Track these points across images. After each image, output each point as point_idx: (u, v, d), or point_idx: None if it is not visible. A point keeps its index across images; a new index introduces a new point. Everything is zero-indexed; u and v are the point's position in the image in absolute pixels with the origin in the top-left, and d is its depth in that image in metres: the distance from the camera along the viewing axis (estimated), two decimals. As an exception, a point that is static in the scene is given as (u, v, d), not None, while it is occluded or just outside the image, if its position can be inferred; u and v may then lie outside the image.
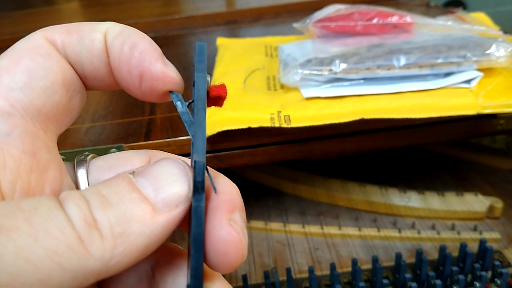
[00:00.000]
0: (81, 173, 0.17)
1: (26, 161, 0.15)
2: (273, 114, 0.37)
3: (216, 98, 0.17)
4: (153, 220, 0.13)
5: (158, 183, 0.14)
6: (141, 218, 0.13)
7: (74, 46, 0.16)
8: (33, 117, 0.15)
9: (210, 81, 0.17)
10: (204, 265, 0.15)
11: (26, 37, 0.16)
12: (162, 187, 0.14)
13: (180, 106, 0.16)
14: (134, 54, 0.16)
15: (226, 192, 0.16)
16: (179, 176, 0.15)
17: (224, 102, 0.18)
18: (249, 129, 0.36)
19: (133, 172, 0.15)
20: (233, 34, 0.68)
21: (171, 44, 0.65)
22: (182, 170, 0.15)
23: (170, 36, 0.69)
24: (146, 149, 0.19)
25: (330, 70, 0.39)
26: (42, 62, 0.16)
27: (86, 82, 0.17)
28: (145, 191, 0.14)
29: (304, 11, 0.75)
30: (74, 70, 0.17)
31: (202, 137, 0.15)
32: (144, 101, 0.44)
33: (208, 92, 0.16)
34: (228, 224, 0.15)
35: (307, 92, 0.39)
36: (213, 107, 0.18)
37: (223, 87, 0.17)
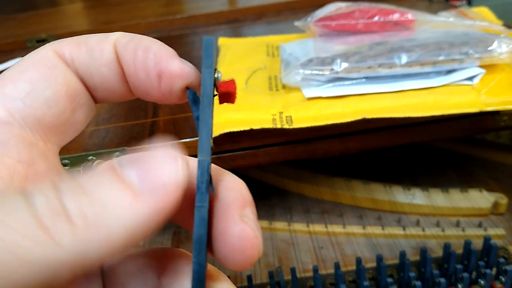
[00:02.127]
0: None
1: (21, 170, 0.15)
2: (275, 115, 0.37)
3: (225, 94, 0.16)
4: (135, 206, 0.12)
5: (143, 168, 0.13)
6: (120, 204, 0.12)
7: (83, 58, 0.16)
8: (32, 127, 0.15)
9: (220, 77, 0.16)
10: (210, 266, 0.15)
11: (36, 50, 0.16)
12: (148, 171, 0.13)
13: (193, 103, 0.16)
14: (149, 56, 0.16)
15: (234, 189, 0.15)
16: (167, 160, 0.13)
17: (235, 99, 0.17)
18: (251, 130, 0.36)
19: (119, 160, 0.13)
20: (235, 32, 0.68)
21: (173, 44, 0.64)
22: (171, 154, 0.13)
23: (173, 36, 0.69)
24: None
25: (332, 69, 0.39)
26: (47, 73, 0.16)
27: (96, 94, 0.17)
28: (128, 177, 0.12)
29: (306, 8, 0.75)
30: (84, 82, 0.17)
31: (207, 135, 0.15)
32: (147, 104, 0.45)
33: (216, 89, 0.16)
34: (241, 220, 0.14)
35: (309, 92, 0.39)
36: (220, 105, 0.17)
37: (232, 82, 0.17)
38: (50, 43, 0.17)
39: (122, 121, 0.42)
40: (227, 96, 0.17)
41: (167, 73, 0.16)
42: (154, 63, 0.16)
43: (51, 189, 0.12)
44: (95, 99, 0.17)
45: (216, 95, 0.16)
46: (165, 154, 0.13)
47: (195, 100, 0.16)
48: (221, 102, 0.17)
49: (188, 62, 0.17)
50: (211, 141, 0.15)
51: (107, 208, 0.12)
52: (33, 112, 0.15)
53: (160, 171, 0.13)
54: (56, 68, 0.16)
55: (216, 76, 0.16)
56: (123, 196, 0.12)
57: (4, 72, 0.16)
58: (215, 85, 0.16)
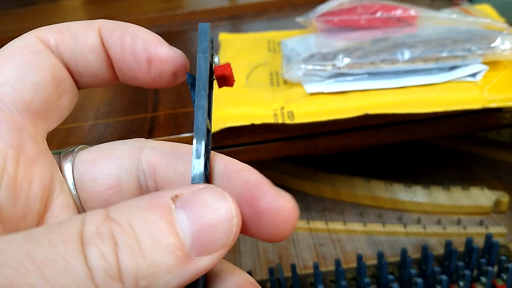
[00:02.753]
0: (67, 167, 0.17)
1: (13, 154, 0.15)
2: (276, 110, 0.37)
3: (222, 77, 0.17)
4: (182, 270, 0.12)
5: (199, 225, 0.13)
6: (170, 269, 0.12)
7: (67, 44, 0.17)
8: (21, 111, 0.16)
9: (218, 61, 0.16)
10: (226, 263, 0.16)
11: (19, 37, 0.17)
12: (202, 231, 0.13)
13: (191, 88, 0.16)
14: (137, 42, 0.16)
15: (250, 170, 0.16)
16: (223, 221, 0.13)
17: (234, 82, 0.17)
18: (252, 125, 0.36)
19: (176, 196, 0.13)
20: (236, 29, 0.67)
21: (174, 39, 0.64)
22: (228, 212, 0.13)
23: (173, 31, 0.69)
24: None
25: (334, 65, 0.39)
26: (33, 58, 0.16)
27: (81, 80, 0.17)
28: (183, 234, 0.12)
29: (307, 4, 0.75)
30: (68, 68, 0.17)
31: (202, 117, 0.15)
32: (147, 98, 0.44)
33: (213, 73, 0.16)
34: (280, 193, 0.15)
35: (311, 88, 0.39)
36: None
37: (227, 65, 0.17)
38: (32, 30, 0.17)
39: (122, 116, 0.42)
40: (224, 80, 0.17)
41: (157, 58, 0.16)
42: (143, 48, 0.16)
43: (110, 246, 0.11)
44: (79, 85, 0.18)
45: (214, 79, 0.17)
46: (223, 209, 0.13)
47: (193, 84, 0.16)
48: (220, 86, 0.17)
49: (176, 48, 0.17)
50: (207, 122, 0.16)
51: (159, 273, 0.12)
52: (22, 97, 0.16)
53: (213, 236, 0.13)
54: (41, 54, 0.16)
55: (213, 60, 0.16)
56: (174, 259, 0.12)
57: None
58: (211, 70, 0.16)
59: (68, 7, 0.98)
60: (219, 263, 0.16)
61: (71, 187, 0.17)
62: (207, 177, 0.16)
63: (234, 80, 0.17)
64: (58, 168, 0.17)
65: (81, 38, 0.17)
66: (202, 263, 0.13)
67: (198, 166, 0.15)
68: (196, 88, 0.15)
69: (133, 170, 0.17)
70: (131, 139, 0.18)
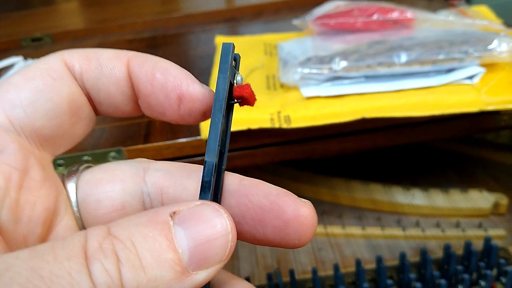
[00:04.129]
0: (71, 188, 0.17)
1: (16, 178, 0.15)
2: (273, 114, 0.37)
3: (240, 98, 0.16)
4: (180, 284, 0.13)
5: (196, 241, 0.13)
6: (169, 283, 0.13)
7: (92, 72, 0.16)
8: (30, 136, 0.16)
9: (240, 80, 0.16)
10: (226, 273, 0.16)
11: (45, 57, 0.16)
12: (199, 247, 0.13)
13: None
14: (169, 78, 0.16)
15: (263, 182, 0.16)
16: (219, 237, 0.14)
17: (255, 101, 0.17)
18: (249, 130, 0.35)
19: (174, 213, 0.13)
20: (232, 31, 0.67)
21: (170, 43, 0.64)
22: (224, 228, 0.14)
23: (169, 35, 0.68)
24: (140, 157, 0.18)
25: (330, 68, 0.38)
26: (52, 84, 0.16)
27: (100, 108, 0.17)
28: (181, 249, 0.13)
29: (304, 6, 0.74)
30: (89, 96, 0.17)
31: (215, 137, 0.15)
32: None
33: (231, 95, 0.16)
34: (301, 200, 0.15)
35: (307, 91, 0.38)
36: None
37: (247, 86, 0.17)
38: (61, 52, 0.17)
39: (118, 121, 0.42)
40: (243, 100, 0.17)
41: (188, 96, 0.16)
42: (174, 85, 0.16)
43: (113, 262, 0.12)
44: (98, 112, 0.17)
45: (235, 102, 0.17)
46: (219, 226, 0.14)
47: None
48: (240, 105, 0.17)
49: (206, 86, 0.17)
50: (224, 142, 0.16)
51: (159, 287, 0.12)
52: (32, 122, 0.15)
53: (210, 252, 0.13)
54: (62, 80, 0.16)
55: (234, 80, 0.16)
56: (173, 274, 0.13)
57: (10, 77, 0.16)
58: (231, 92, 0.16)
59: (64, 10, 0.98)
60: (220, 273, 0.16)
61: (74, 208, 0.17)
62: (218, 196, 0.16)
63: (256, 99, 0.17)
64: (64, 191, 0.17)
65: (107, 70, 0.16)
66: (199, 277, 0.13)
67: (207, 185, 0.15)
68: (213, 109, 0.15)
69: (137, 192, 0.17)
70: (133, 160, 0.18)
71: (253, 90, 0.17)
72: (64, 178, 0.17)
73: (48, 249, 0.12)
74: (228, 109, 0.17)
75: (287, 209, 0.15)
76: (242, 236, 0.16)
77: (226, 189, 0.16)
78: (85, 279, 0.11)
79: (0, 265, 0.11)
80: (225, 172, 0.16)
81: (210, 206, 0.14)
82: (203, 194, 0.15)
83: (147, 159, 0.18)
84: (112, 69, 0.16)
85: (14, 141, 0.15)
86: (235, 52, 0.16)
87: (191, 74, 0.17)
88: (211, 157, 0.15)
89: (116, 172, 0.17)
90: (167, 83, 0.16)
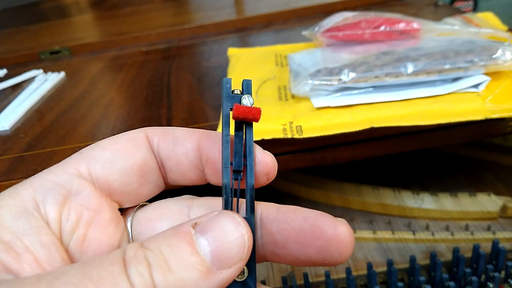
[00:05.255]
0: (128, 226, 0.20)
1: (87, 216, 0.17)
2: (285, 125, 0.38)
3: (242, 117, 0.18)
4: (207, 282, 0.15)
5: (216, 244, 0.15)
6: (196, 282, 0.15)
7: (167, 144, 0.19)
8: (102, 187, 0.18)
9: (249, 103, 0.19)
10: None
11: (132, 130, 0.20)
12: (219, 248, 0.15)
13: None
14: None
15: (299, 207, 0.18)
16: (236, 238, 0.16)
17: (258, 120, 0.19)
18: (262, 140, 0.37)
19: (195, 224, 0.16)
20: (243, 41, 0.69)
21: (183, 54, 0.66)
22: (240, 231, 0.16)
23: (183, 46, 0.71)
24: (182, 195, 0.21)
25: (340, 79, 0.40)
26: (131, 149, 0.19)
27: (171, 176, 0.20)
28: (203, 252, 0.15)
29: (313, 15, 0.76)
30: (163, 164, 0.20)
31: (226, 158, 0.18)
32: (161, 116, 0.46)
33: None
34: (337, 220, 0.17)
35: (318, 102, 0.40)
36: None
37: (244, 107, 0.18)
38: (145, 128, 0.20)
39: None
40: (247, 118, 0.18)
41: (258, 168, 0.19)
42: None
43: (145, 267, 0.14)
44: (168, 180, 0.20)
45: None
46: (234, 230, 0.16)
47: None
48: (248, 121, 0.19)
49: (268, 151, 0.19)
50: (237, 159, 0.18)
51: (186, 286, 0.14)
52: (107, 176, 0.18)
53: (230, 251, 0.15)
54: (140, 147, 0.19)
55: (244, 102, 0.18)
56: (198, 274, 0.15)
57: (103, 140, 0.19)
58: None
59: (79, 22, 1.01)
60: None
61: (130, 240, 0.20)
62: (252, 210, 0.18)
63: (256, 114, 0.18)
64: (126, 229, 0.19)
65: (180, 142, 0.19)
66: (224, 276, 0.15)
67: (225, 204, 0.18)
68: (222, 131, 0.18)
69: None
70: (180, 197, 0.21)
71: (252, 107, 0.18)
72: (122, 217, 0.20)
73: (96, 259, 0.14)
74: (239, 128, 0.19)
75: (326, 229, 0.17)
76: (286, 259, 0.18)
77: (266, 216, 0.18)
78: (125, 280, 0.14)
79: (59, 271, 0.14)
80: (263, 202, 0.19)
81: (225, 214, 0.16)
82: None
83: (191, 196, 0.21)
84: (183, 142, 0.19)
85: (89, 187, 0.18)
86: (248, 79, 0.19)
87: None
88: (224, 178, 0.18)
89: (164, 211, 0.20)
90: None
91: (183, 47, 0.70)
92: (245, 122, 0.19)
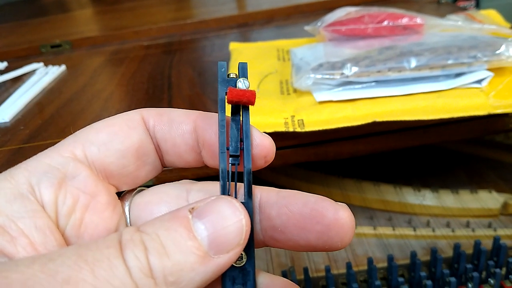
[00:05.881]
0: (125, 210, 0.19)
1: (83, 200, 0.17)
2: (287, 118, 0.38)
3: (237, 100, 0.18)
4: (204, 267, 0.15)
5: (213, 229, 0.15)
6: (193, 266, 0.14)
7: (163, 125, 0.19)
8: (99, 170, 0.18)
9: (245, 86, 0.18)
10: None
11: (128, 112, 0.19)
12: (216, 233, 0.15)
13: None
14: None
15: (299, 191, 0.18)
16: (233, 223, 0.15)
17: (253, 103, 0.18)
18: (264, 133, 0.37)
19: (192, 208, 0.16)
20: (245, 36, 0.69)
21: (185, 48, 0.66)
22: (237, 216, 0.16)
23: (184, 40, 0.70)
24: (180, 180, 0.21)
25: (342, 73, 0.40)
26: (126, 130, 0.18)
27: (167, 158, 0.20)
28: (200, 237, 0.15)
29: (315, 11, 0.76)
30: (159, 146, 0.19)
31: (222, 143, 0.18)
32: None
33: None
34: (338, 204, 0.17)
35: (320, 96, 0.40)
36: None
37: (238, 90, 0.18)
38: (140, 109, 0.19)
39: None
40: (241, 101, 0.18)
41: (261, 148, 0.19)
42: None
43: (142, 250, 0.14)
44: (165, 161, 0.20)
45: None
46: (232, 214, 0.16)
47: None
48: (243, 104, 0.19)
49: (266, 134, 0.19)
50: (233, 144, 0.18)
51: (184, 270, 0.14)
52: (103, 159, 0.18)
53: (227, 236, 0.15)
54: (136, 129, 0.19)
55: (239, 85, 0.18)
56: (195, 258, 0.15)
57: (98, 121, 0.19)
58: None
59: (80, 17, 1.01)
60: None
61: (128, 224, 0.19)
62: (250, 194, 0.18)
63: (251, 97, 0.18)
64: (123, 213, 0.19)
65: (176, 124, 0.19)
66: (221, 261, 0.15)
67: (222, 188, 0.17)
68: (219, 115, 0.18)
69: None
70: (178, 182, 0.20)
71: (246, 90, 0.18)
72: (120, 201, 0.19)
73: (92, 242, 0.14)
74: (236, 112, 0.18)
75: (326, 213, 0.16)
76: (285, 244, 0.18)
77: (266, 201, 0.18)
78: (121, 263, 0.14)
79: (54, 253, 0.14)
80: (262, 187, 0.18)
81: (223, 199, 0.16)
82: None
83: (190, 180, 0.20)
84: (180, 124, 0.19)
85: (85, 171, 0.18)
86: (243, 61, 0.19)
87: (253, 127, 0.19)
88: (221, 163, 0.17)
89: (162, 195, 0.19)
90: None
91: (184, 42, 0.70)
92: (241, 106, 0.18)
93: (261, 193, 0.18)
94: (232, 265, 0.16)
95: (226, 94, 0.18)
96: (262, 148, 0.18)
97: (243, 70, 0.18)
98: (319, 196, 0.17)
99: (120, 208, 0.19)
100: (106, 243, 0.14)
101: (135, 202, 0.19)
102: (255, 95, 0.18)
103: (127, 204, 0.19)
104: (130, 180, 0.19)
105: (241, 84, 0.18)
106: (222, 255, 0.15)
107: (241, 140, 0.18)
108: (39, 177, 0.17)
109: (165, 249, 0.14)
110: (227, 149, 0.18)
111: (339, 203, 0.17)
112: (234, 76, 0.18)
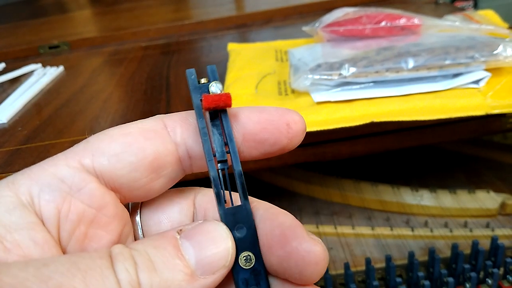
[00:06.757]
0: (136, 216, 0.19)
1: (89, 214, 0.17)
2: (285, 119, 0.38)
3: (213, 105, 0.18)
4: (191, 286, 0.15)
5: (200, 250, 0.16)
6: (180, 284, 0.15)
7: (187, 129, 0.18)
8: (107, 181, 0.17)
9: (218, 90, 0.18)
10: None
11: (148, 118, 0.18)
12: (203, 255, 0.16)
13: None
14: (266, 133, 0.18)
15: (285, 213, 0.17)
16: (220, 245, 0.16)
17: (229, 106, 0.18)
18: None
19: (180, 230, 0.16)
20: (243, 37, 0.69)
21: (183, 49, 0.66)
22: (224, 238, 0.16)
23: (182, 41, 0.70)
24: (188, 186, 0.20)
25: (340, 74, 0.40)
26: (141, 141, 0.17)
27: (195, 163, 0.18)
28: (188, 256, 0.15)
29: (313, 12, 0.76)
30: (188, 151, 0.18)
31: (208, 150, 0.17)
32: (159, 109, 0.46)
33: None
34: (311, 237, 0.16)
35: (318, 97, 0.40)
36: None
37: (211, 98, 0.18)
38: (161, 116, 0.18)
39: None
40: (218, 106, 0.18)
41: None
42: (275, 139, 0.19)
43: (131, 264, 0.14)
44: (193, 168, 0.19)
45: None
46: (219, 237, 0.16)
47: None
48: (220, 109, 0.18)
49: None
50: (219, 149, 0.18)
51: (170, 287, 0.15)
52: (113, 171, 0.17)
53: (214, 257, 0.16)
54: (152, 139, 0.17)
55: (212, 90, 0.18)
56: (183, 276, 0.15)
57: (113, 127, 0.18)
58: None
59: (79, 18, 1.01)
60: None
61: (139, 231, 0.19)
62: (246, 197, 0.18)
63: (229, 105, 0.18)
64: (129, 223, 0.19)
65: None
66: (207, 281, 0.16)
67: (218, 197, 0.17)
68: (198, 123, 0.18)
69: (190, 213, 0.19)
70: (186, 187, 0.20)
71: (221, 94, 0.18)
72: (130, 206, 0.19)
73: (86, 253, 0.15)
74: (214, 117, 0.18)
75: (292, 240, 0.16)
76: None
77: (255, 213, 0.18)
78: (112, 274, 0.14)
79: (48, 259, 0.14)
80: (257, 200, 0.18)
81: (210, 223, 0.17)
82: (218, 205, 0.17)
83: (197, 187, 0.20)
84: None
85: (92, 182, 0.17)
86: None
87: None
88: (211, 171, 0.17)
89: (172, 197, 0.19)
90: (271, 135, 0.18)
91: (182, 43, 0.70)
92: (219, 110, 0.18)
93: (256, 207, 0.18)
94: (242, 268, 0.17)
95: (201, 101, 0.18)
96: (256, 124, 0.18)
97: (213, 73, 0.18)
98: (298, 223, 0.17)
99: (127, 218, 0.18)
100: (99, 254, 0.14)
101: (145, 205, 0.19)
102: (230, 97, 0.18)
103: (136, 213, 0.19)
104: (142, 193, 0.18)
105: (214, 88, 0.18)
106: (209, 276, 0.16)
107: (226, 144, 0.18)
108: (41, 188, 0.16)
109: (154, 265, 0.15)
110: (214, 156, 0.18)
111: (314, 237, 0.16)
112: (206, 81, 0.18)
